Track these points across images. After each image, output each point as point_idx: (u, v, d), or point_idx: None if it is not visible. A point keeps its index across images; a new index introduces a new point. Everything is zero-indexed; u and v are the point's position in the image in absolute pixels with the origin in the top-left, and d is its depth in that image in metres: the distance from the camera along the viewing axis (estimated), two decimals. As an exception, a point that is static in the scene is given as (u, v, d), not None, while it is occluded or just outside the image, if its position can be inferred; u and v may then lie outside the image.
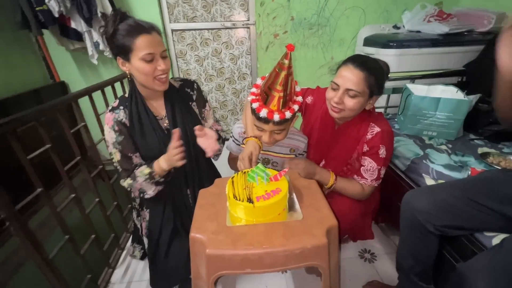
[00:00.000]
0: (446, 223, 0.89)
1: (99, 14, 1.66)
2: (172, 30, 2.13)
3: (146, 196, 1.00)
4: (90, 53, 1.82)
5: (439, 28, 1.80)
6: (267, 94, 0.87)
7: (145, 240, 1.13)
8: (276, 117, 0.86)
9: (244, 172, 0.84)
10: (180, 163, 0.90)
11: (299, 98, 0.93)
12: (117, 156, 0.96)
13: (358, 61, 0.91)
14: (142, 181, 0.95)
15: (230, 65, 2.30)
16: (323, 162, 1.12)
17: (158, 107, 1.02)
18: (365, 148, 1.00)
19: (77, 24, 1.71)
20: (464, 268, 0.74)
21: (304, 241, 0.66)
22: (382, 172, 1.01)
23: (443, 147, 1.30)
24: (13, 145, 0.82)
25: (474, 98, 1.37)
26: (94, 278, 1.17)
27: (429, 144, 1.33)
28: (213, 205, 0.81)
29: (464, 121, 1.33)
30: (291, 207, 0.78)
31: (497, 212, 0.81)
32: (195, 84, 1.11)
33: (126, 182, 0.97)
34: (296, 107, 0.90)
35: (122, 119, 0.95)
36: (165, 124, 1.02)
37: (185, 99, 1.06)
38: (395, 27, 2.11)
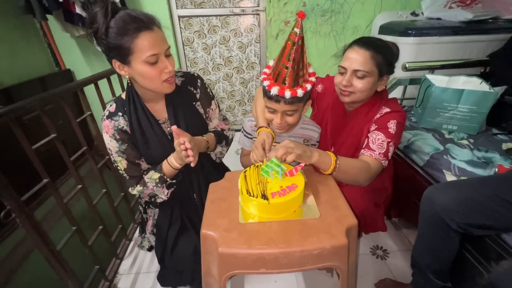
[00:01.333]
0: (471, 222, 0.84)
1: None
2: (179, 17, 2.05)
3: (158, 200, 0.95)
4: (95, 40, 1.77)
5: (462, 15, 1.69)
6: (278, 70, 0.82)
7: (151, 238, 1.11)
8: (287, 94, 0.80)
9: (257, 166, 0.79)
10: (188, 160, 0.79)
11: (313, 78, 0.87)
12: (123, 164, 0.87)
13: (362, 41, 0.90)
14: (152, 186, 0.89)
15: (239, 53, 2.22)
16: (332, 149, 1.08)
17: (159, 110, 0.91)
18: (373, 127, 0.94)
19: (82, 9, 1.65)
20: (497, 279, 0.69)
21: (323, 241, 0.62)
22: (391, 149, 0.90)
23: (465, 142, 1.23)
24: (16, 134, 0.79)
25: (499, 90, 1.29)
26: (102, 269, 1.16)
27: (449, 138, 1.26)
28: (224, 200, 0.77)
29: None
30: (307, 204, 0.74)
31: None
32: (199, 80, 0.97)
33: (136, 190, 0.91)
34: (309, 86, 0.84)
35: (123, 126, 0.85)
36: (168, 129, 0.93)
37: (188, 99, 0.95)
38: (413, 14, 1.99)
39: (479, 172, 1.01)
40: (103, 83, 1.24)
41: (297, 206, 0.71)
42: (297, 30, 0.75)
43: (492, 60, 1.56)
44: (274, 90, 0.80)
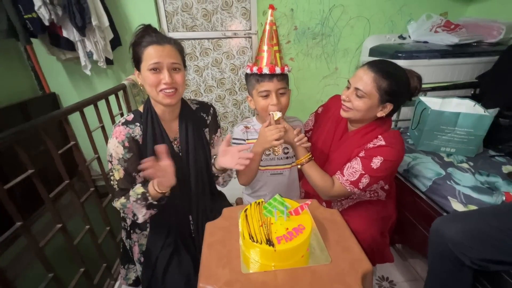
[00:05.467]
0: (486, 257, 0.79)
1: (94, 23, 1.55)
2: (171, 40, 2.04)
3: (138, 221, 0.90)
4: (83, 63, 1.71)
5: (448, 39, 1.74)
6: (262, 54, 0.93)
7: (138, 266, 1.02)
8: (278, 70, 0.91)
9: (259, 204, 0.73)
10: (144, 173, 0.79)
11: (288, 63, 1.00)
12: (119, 174, 0.87)
13: (375, 63, 0.91)
14: (133, 200, 0.86)
15: (231, 75, 2.21)
16: (326, 164, 1.07)
17: (171, 128, 0.96)
18: (362, 153, 0.94)
19: (69, 33, 1.60)
20: None
21: (338, 294, 0.54)
22: (364, 181, 0.91)
23: (465, 165, 1.21)
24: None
25: (493, 112, 1.30)
26: (83, 317, 1.03)
27: (449, 162, 1.24)
28: (224, 244, 0.69)
29: (481, 136, 1.25)
30: (315, 246, 0.67)
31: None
32: (211, 108, 1.06)
33: (119, 202, 0.88)
34: (289, 67, 0.97)
35: (136, 135, 0.89)
36: (176, 147, 0.97)
37: (199, 124, 1.01)
38: (401, 37, 2.05)
39: (486, 199, 0.98)
40: (89, 109, 1.16)
41: (305, 250, 0.64)
42: (271, 17, 0.92)
43: (481, 82, 1.60)
44: (266, 70, 0.90)
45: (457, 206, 1.00)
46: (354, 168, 0.92)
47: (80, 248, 1.05)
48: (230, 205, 1.13)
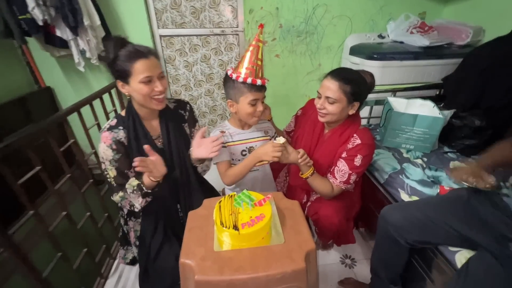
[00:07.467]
0: (416, 238, 0.98)
1: (86, 23, 1.64)
2: (161, 36, 2.11)
3: (135, 210, 1.04)
4: (76, 61, 1.79)
5: (420, 41, 1.87)
6: (255, 67, 1.04)
7: (134, 249, 1.19)
8: (266, 82, 1.06)
9: (231, 196, 0.89)
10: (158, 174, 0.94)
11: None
12: (113, 173, 1.00)
13: (335, 73, 1.08)
14: (130, 192, 0.98)
15: (219, 70, 2.31)
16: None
17: (153, 127, 1.08)
18: (344, 154, 1.13)
19: (62, 32, 1.67)
20: None
21: (285, 265, 0.72)
22: (353, 178, 1.11)
23: (419, 161, 1.38)
24: (4, 172, 0.84)
25: (448, 113, 1.46)
26: (87, 289, 1.21)
27: (406, 158, 1.42)
28: (201, 228, 0.86)
29: (440, 133, 1.42)
30: (274, 229, 0.85)
31: (459, 231, 0.90)
32: (188, 105, 1.18)
33: (118, 196, 1.01)
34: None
35: (121, 138, 1.00)
36: (159, 143, 1.09)
37: (178, 120, 1.13)
38: (380, 36, 2.16)
39: (427, 191, 1.16)
40: (85, 108, 1.28)
41: (265, 233, 0.81)
42: (261, 35, 1.03)
43: (445, 83, 1.75)
44: (259, 82, 1.03)
45: (404, 197, 1.18)
46: (342, 171, 1.11)
47: (82, 231, 1.21)
48: (217, 194, 1.29)
